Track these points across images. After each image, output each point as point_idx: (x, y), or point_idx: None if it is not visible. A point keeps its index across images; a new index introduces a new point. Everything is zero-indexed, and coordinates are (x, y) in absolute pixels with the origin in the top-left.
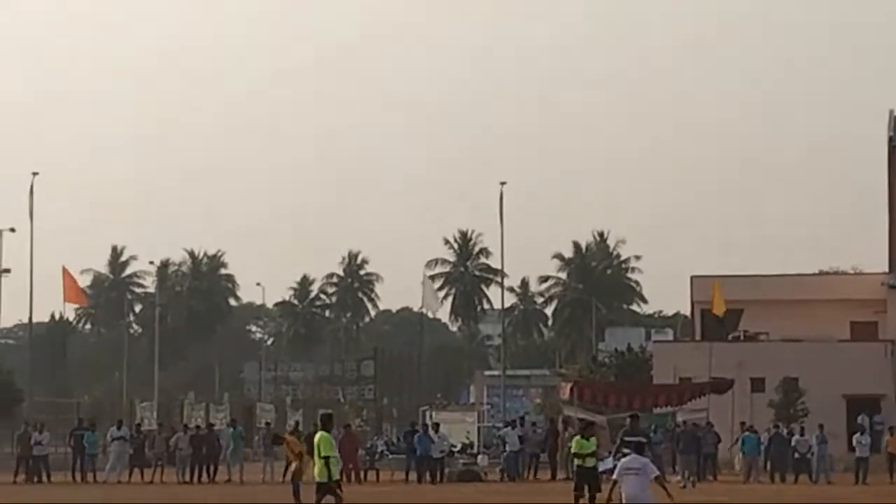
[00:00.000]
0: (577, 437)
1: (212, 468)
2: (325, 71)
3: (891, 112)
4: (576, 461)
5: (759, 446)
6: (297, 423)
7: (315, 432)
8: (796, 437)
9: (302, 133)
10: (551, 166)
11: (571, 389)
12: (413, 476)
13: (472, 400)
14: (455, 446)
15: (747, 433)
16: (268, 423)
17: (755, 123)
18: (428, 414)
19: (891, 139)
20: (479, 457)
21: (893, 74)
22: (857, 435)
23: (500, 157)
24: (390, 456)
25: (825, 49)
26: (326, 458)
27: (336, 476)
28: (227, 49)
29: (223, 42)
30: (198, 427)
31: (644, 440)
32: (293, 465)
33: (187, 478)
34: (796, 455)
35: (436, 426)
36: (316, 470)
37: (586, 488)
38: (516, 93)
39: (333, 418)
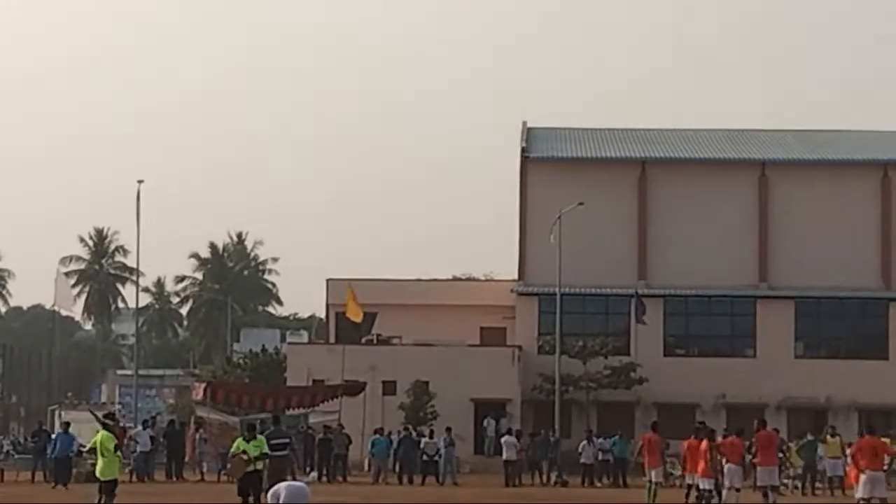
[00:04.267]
0: (240, 440)
1: None
2: None
3: (524, 124)
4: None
5: (388, 448)
6: None
7: None
8: (425, 439)
9: None
10: (190, 165)
11: (205, 390)
12: (40, 476)
13: (104, 399)
14: (84, 447)
15: (377, 435)
16: None
17: (390, 131)
18: (58, 413)
19: (523, 150)
20: None
21: (528, 88)
22: (507, 437)
23: (139, 156)
24: (16, 456)
25: (460, 59)
26: None
27: None
28: None
29: None
30: None
31: (288, 441)
32: None
33: None
34: (424, 457)
35: (66, 425)
36: None
37: (251, 495)
38: (157, 90)
39: None
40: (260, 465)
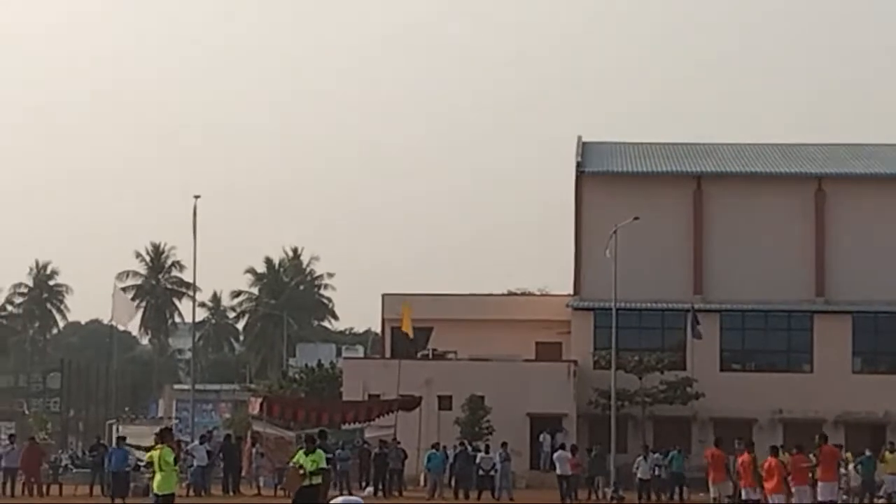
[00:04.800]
0: (300, 452)
1: None
2: None
3: (579, 138)
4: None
5: (444, 463)
6: None
7: None
8: (481, 454)
9: None
10: (246, 181)
11: (261, 404)
12: (98, 490)
13: (160, 414)
14: (141, 461)
15: (433, 450)
16: None
17: (441, 146)
18: (115, 427)
19: (578, 165)
20: None
21: (581, 102)
22: (560, 452)
23: (195, 170)
24: (74, 470)
25: (512, 73)
26: None
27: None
28: None
29: None
30: None
31: (331, 456)
32: None
33: None
34: (480, 472)
35: (121, 440)
36: None
37: None
38: (216, 106)
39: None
40: (317, 480)
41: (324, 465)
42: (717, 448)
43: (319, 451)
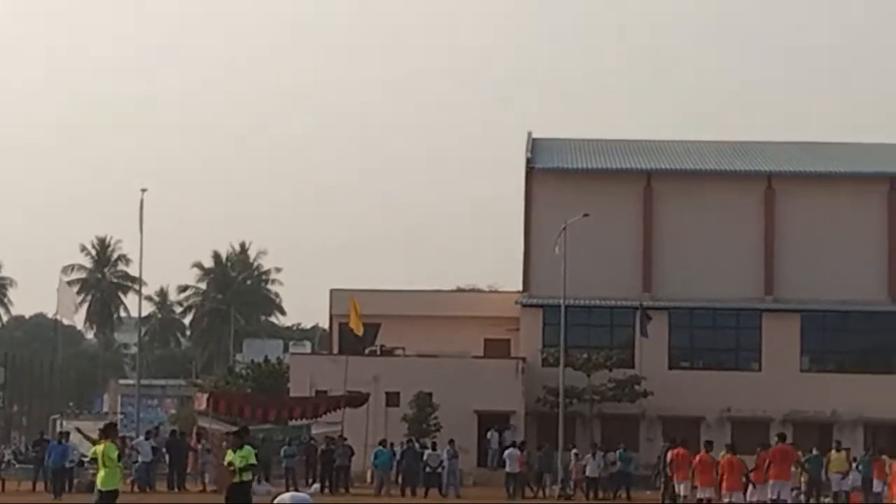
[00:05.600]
0: (230, 449)
1: None
2: None
3: (529, 134)
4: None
5: (391, 460)
6: None
7: None
8: (428, 451)
9: None
10: (193, 176)
11: (208, 400)
12: (41, 486)
13: (105, 409)
14: (86, 456)
15: (380, 447)
16: None
17: (392, 142)
18: (59, 423)
19: (528, 161)
20: None
21: (534, 99)
22: (510, 450)
23: (143, 166)
24: (17, 466)
25: (464, 69)
26: None
27: None
28: None
29: None
30: None
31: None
32: None
33: None
34: (427, 469)
35: (65, 435)
36: None
37: None
38: (157, 100)
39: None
40: (247, 476)
41: (253, 461)
42: (683, 448)
43: (248, 446)
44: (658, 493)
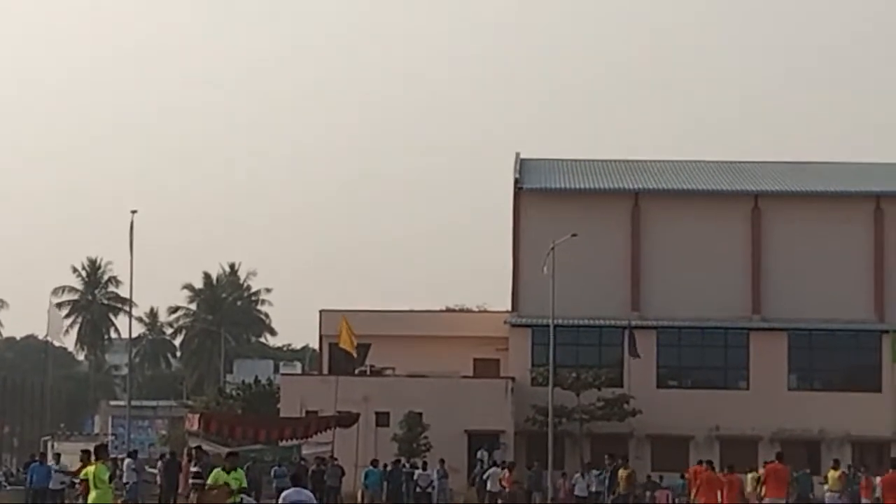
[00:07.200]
0: (217, 470)
1: None
2: None
3: (517, 155)
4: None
5: (381, 480)
6: None
7: None
8: (418, 471)
9: None
10: (182, 197)
11: (199, 421)
12: None
13: (97, 430)
14: (75, 480)
15: (370, 467)
16: None
17: (381, 161)
18: (50, 444)
19: (516, 181)
20: None
21: (523, 121)
22: (493, 469)
23: (132, 186)
24: (8, 487)
25: (452, 88)
26: None
27: None
28: None
29: None
30: None
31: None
32: None
33: None
34: (418, 489)
35: (56, 457)
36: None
37: None
38: (153, 122)
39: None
40: (239, 499)
41: (245, 483)
42: (709, 467)
43: (240, 469)
44: None
